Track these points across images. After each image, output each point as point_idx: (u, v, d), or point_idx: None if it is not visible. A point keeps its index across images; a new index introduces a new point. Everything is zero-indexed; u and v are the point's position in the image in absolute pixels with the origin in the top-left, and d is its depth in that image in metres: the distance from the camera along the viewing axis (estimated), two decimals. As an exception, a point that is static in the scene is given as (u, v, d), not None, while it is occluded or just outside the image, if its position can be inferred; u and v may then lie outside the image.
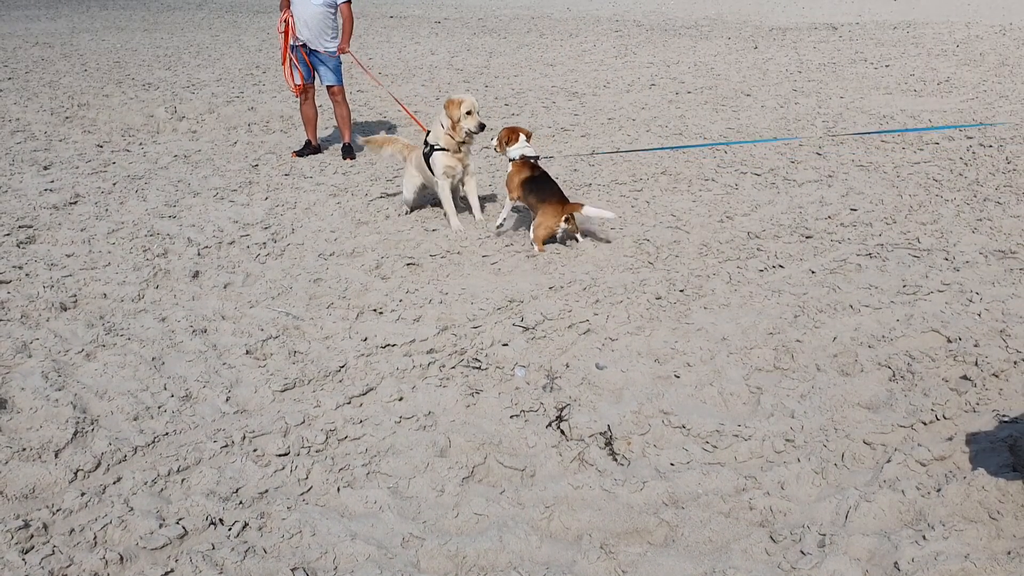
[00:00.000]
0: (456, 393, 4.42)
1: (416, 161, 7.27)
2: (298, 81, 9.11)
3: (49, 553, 3.23)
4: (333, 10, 8.98)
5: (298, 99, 9.42)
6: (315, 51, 9.02)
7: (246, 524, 3.43)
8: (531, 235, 6.46)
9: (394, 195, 7.86)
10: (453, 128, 6.90)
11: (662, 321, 5.22)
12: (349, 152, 9.40)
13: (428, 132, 7.15)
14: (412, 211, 7.50)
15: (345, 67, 9.54)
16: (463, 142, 7.00)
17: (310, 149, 9.49)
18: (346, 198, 7.83)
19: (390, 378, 4.59)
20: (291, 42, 8.95)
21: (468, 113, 6.87)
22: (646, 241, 6.56)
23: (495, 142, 6.83)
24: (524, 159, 6.60)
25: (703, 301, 5.48)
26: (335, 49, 9.07)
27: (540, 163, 6.66)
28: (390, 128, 10.73)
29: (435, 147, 6.99)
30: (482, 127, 6.95)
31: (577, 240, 6.56)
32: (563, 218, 6.36)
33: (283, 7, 8.97)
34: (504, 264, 6.21)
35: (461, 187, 7.26)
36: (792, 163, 8.67)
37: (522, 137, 6.72)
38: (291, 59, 9.01)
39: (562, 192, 6.51)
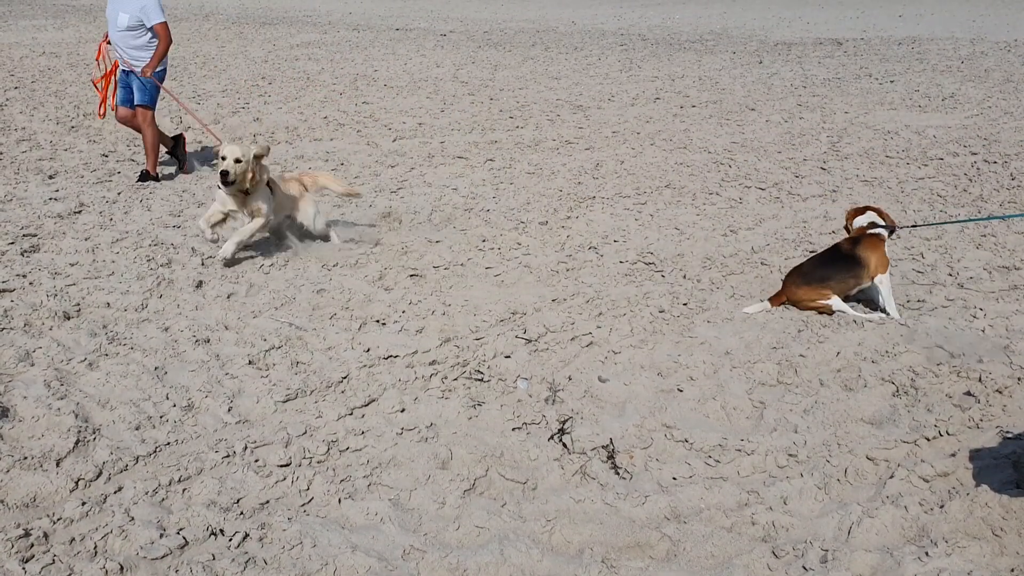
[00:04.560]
0: (458, 405, 4.41)
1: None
2: (111, 104, 8.76)
3: (49, 562, 3.22)
4: (143, 33, 8.50)
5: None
6: (131, 71, 8.62)
7: (247, 535, 3.42)
8: None
9: (397, 205, 7.88)
10: None
11: (665, 334, 5.22)
12: (147, 177, 8.73)
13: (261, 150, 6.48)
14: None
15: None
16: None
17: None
18: (350, 208, 7.84)
19: (392, 389, 4.58)
20: (121, 66, 8.62)
21: None
22: (649, 254, 6.57)
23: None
24: (860, 229, 5.62)
25: (706, 315, 5.48)
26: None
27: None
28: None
29: None
30: None
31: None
32: (779, 303, 5.53)
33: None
34: (507, 276, 6.21)
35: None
36: (796, 177, 8.68)
37: (869, 213, 5.70)
38: (115, 80, 8.72)
39: (799, 278, 5.50)
